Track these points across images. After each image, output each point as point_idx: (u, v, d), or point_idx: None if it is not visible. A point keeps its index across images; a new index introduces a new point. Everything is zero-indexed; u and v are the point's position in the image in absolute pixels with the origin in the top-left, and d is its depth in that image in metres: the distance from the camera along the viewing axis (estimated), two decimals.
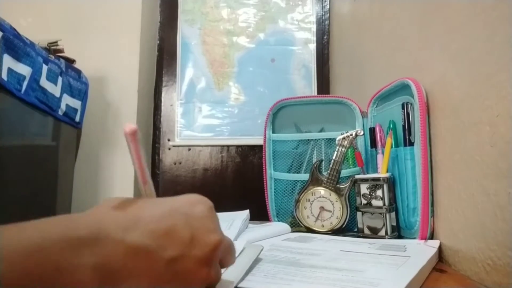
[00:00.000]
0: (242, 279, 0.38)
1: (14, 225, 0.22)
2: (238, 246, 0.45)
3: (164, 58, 1.72)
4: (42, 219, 0.24)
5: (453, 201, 0.53)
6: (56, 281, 0.22)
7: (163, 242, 0.27)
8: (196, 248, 0.28)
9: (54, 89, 1.09)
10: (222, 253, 0.32)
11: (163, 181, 1.65)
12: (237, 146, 1.66)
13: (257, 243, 0.57)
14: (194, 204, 0.31)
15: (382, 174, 0.65)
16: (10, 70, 0.90)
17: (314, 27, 1.74)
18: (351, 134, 0.71)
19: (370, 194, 0.65)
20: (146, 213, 0.28)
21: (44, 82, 1.03)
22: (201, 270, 0.29)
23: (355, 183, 0.68)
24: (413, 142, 0.62)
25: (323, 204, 0.71)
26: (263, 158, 0.84)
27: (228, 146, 1.66)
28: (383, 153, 0.68)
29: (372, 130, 0.74)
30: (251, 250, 0.45)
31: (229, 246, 0.34)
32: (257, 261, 0.45)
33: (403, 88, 0.65)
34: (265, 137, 0.84)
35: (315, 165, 0.74)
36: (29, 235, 0.22)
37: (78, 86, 1.23)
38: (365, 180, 0.66)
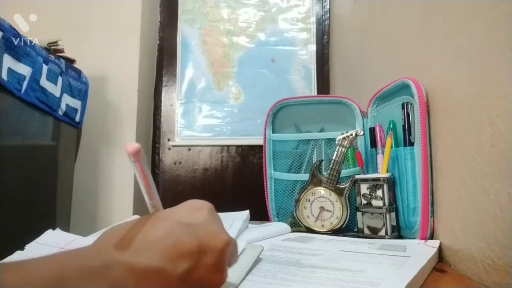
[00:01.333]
0: (243, 279, 0.38)
1: (31, 260, 0.24)
2: (239, 246, 0.45)
3: (164, 58, 1.72)
4: (51, 255, 0.25)
5: (453, 201, 0.53)
6: None
7: (172, 259, 0.27)
8: (206, 256, 0.29)
9: (54, 89, 1.09)
10: (231, 253, 0.33)
11: (163, 181, 1.65)
12: (237, 146, 1.66)
13: (257, 243, 0.57)
14: (194, 211, 0.32)
15: (382, 174, 0.65)
16: (10, 70, 0.90)
17: (314, 27, 1.74)
18: (351, 134, 0.71)
19: (370, 194, 0.65)
20: (150, 234, 0.28)
21: (44, 82, 1.03)
22: (215, 276, 0.30)
23: (355, 183, 0.68)
24: (413, 142, 0.62)
25: (323, 204, 0.71)
26: (263, 158, 0.84)
27: (228, 146, 1.66)
28: (383, 153, 0.68)
29: (372, 130, 0.74)
30: (252, 250, 0.45)
31: (234, 245, 0.34)
32: (257, 261, 0.45)
33: (403, 88, 0.65)
34: (265, 137, 0.84)
35: (315, 165, 0.74)
36: (49, 266, 0.23)
37: (78, 86, 1.23)
38: (365, 180, 0.66)
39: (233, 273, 0.37)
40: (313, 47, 1.72)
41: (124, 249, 0.27)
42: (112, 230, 0.29)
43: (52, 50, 1.11)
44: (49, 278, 0.22)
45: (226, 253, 0.31)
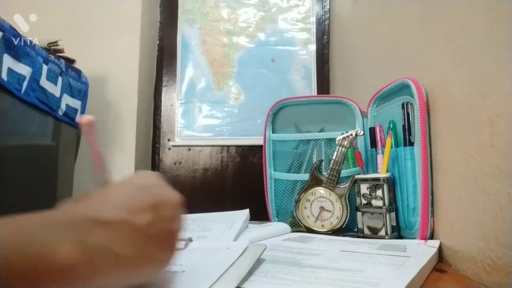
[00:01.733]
0: (245, 279, 0.38)
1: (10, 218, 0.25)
2: (241, 245, 0.45)
3: (164, 58, 1.72)
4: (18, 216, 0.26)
5: (453, 201, 0.53)
6: (42, 257, 0.23)
7: (135, 212, 0.30)
8: (164, 209, 0.33)
9: (54, 89, 1.09)
10: (182, 209, 0.36)
11: None
12: (237, 146, 1.66)
13: (258, 243, 0.57)
14: (147, 177, 0.36)
15: (382, 174, 0.65)
16: (10, 70, 0.90)
17: (314, 27, 1.73)
18: (351, 134, 0.71)
19: (370, 194, 0.65)
20: (110, 196, 0.31)
21: (44, 82, 1.03)
22: (175, 225, 0.34)
23: (355, 183, 0.68)
24: (413, 142, 0.62)
25: (323, 204, 0.71)
26: (263, 158, 0.84)
27: (228, 146, 1.66)
28: (383, 153, 0.68)
29: (372, 130, 0.74)
30: (254, 249, 0.45)
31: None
32: (259, 260, 0.45)
33: (403, 88, 0.65)
34: (265, 137, 0.84)
35: (315, 165, 0.74)
36: (17, 221, 0.24)
37: (78, 86, 1.23)
38: (365, 180, 0.66)
39: (234, 272, 0.37)
40: (313, 47, 1.72)
41: (88, 207, 0.29)
42: (69, 200, 0.31)
43: (52, 50, 1.11)
44: (16, 232, 0.23)
45: (180, 205, 0.35)
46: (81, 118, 0.29)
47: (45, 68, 1.03)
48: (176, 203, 0.34)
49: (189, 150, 1.66)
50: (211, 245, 0.48)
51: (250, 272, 0.40)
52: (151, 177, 0.36)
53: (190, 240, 0.49)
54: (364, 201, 0.66)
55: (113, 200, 0.31)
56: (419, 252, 0.51)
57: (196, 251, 0.46)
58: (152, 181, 0.35)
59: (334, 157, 0.71)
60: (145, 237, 0.30)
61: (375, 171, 0.71)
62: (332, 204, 0.70)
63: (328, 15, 1.73)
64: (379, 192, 0.64)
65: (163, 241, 0.32)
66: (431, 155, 0.60)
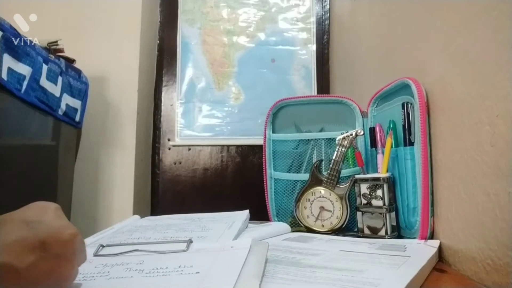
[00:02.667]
0: (262, 278, 0.37)
1: None
2: (246, 244, 0.45)
3: (164, 58, 1.72)
4: None
5: (453, 201, 0.53)
6: None
7: (17, 254, 0.29)
8: (53, 247, 0.31)
9: (54, 89, 1.09)
10: (80, 248, 0.34)
11: (163, 181, 1.65)
12: (237, 146, 1.66)
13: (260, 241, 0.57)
14: (38, 211, 0.33)
15: (382, 173, 0.65)
16: (10, 70, 0.90)
17: (314, 27, 1.74)
18: (351, 134, 0.71)
19: (370, 194, 0.65)
20: None
21: (44, 82, 1.03)
22: (64, 267, 0.32)
23: (355, 182, 0.68)
24: (413, 142, 0.62)
25: (323, 204, 0.71)
26: (263, 157, 0.84)
27: (228, 146, 1.66)
28: (383, 152, 0.68)
29: (372, 130, 0.74)
30: (259, 247, 0.45)
31: (82, 242, 0.36)
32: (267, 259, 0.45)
33: (403, 88, 0.65)
34: (265, 137, 0.84)
35: (315, 165, 0.74)
36: None
37: (78, 86, 1.23)
38: (365, 180, 0.66)
39: (252, 269, 0.37)
40: (313, 47, 1.72)
41: None
42: None
43: (52, 50, 1.11)
44: None
45: (74, 244, 0.33)
46: None
47: (45, 68, 1.03)
48: (68, 240, 0.32)
49: (189, 149, 1.66)
50: (213, 245, 0.48)
51: (264, 270, 0.40)
52: (42, 210, 0.34)
53: (191, 241, 0.49)
54: (364, 201, 0.66)
55: None
56: (419, 252, 0.51)
57: (200, 252, 0.46)
58: (44, 215, 0.33)
59: (334, 157, 0.71)
60: (28, 280, 0.29)
61: (375, 170, 0.71)
62: (332, 204, 0.70)
63: (328, 15, 1.73)
64: (379, 192, 0.64)
65: (49, 282, 0.31)
66: (431, 155, 0.60)
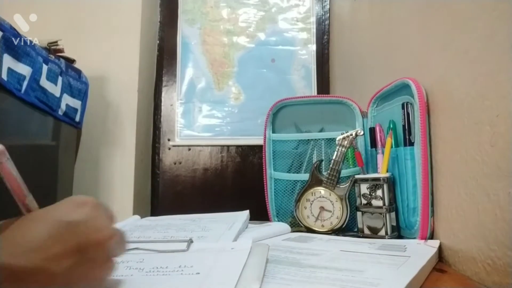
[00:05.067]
0: (262, 280, 0.37)
1: None
2: (246, 245, 0.45)
3: (164, 58, 1.72)
4: None
5: (453, 201, 0.53)
6: None
7: (54, 257, 0.27)
8: (88, 252, 0.29)
9: (54, 89, 1.09)
10: (116, 246, 0.33)
11: (163, 181, 1.65)
12: (237, 146, 1.66)
13: (259, 242, 0.56)
14: (75, 207, 0.31)
15: (382, 174, 0.65)
16: (10, 70, 0.90)
17: (314, 27, 1.74)
18: (351, 134, 0.71)
19: (370, 194, 0.65)
20: (29, 234, 0.28)
21: (44, 82, 1.03)
22: (100, 270, 0.31)
23: (355, 183, 0.68)
24: (413, 142, 0.62)
25: (323, 204, 0.71)
26: (263, 158, 0.84)
27: (228, 146, 1.66)
28: (383, 152, 0.68)
29: (372, 130, 0.74)
30: (259, 249, 0.45)
31: (121, 237, 0.35)
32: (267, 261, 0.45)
33: (403, 88, 0.65)
34: (265, 137, 0.84)
35: (315, 165, 0.74)
36: None
37: (78, 86, 1.23)
38: (365, 180, 0.66)
39: (251, 273, 0.37)
40: (313, 47, 1.72)
41: (2, 251, 0.26)
42: None
43: (52, 50, 1.11)
44: None
45: (109, 247, 0.31)
46: None
47: (45, 68, 1.03)
48: (104, 244, 0.31)
49: (189, 149, 1.66)
50: (214, 246, 0.48)
51: (264, 272, 0.40)
52: (80, 209, 0.31)
53: (191, 241, 0.49)
54: (364, 201, 0.66)
55: (30, 242, 0.27)
56: (419, 252, 0.51)
57: (200, 252, 0.46)
58: (81, 214, 0.31)
59: (334, 157, 0.71)
60: (62, 284, 0.27)
61: (375, 171, 0.71)
62: (332, 204, 0.70)
63: (328, 15, 1.73)
64: (379, 192, 0.64)
65: (82, 285, 0.29)
66: (431, 155, 0.60)
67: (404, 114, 0.64)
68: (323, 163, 0.78)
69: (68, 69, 1.18)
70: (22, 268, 0.26)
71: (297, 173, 0.81)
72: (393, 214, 0.64)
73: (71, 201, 0.32)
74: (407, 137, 0.63)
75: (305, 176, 0.76)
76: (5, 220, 0.30)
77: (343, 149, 0.71)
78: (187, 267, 0.40)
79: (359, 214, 0.66)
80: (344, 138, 0.71)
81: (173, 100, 1.69)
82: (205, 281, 0.36)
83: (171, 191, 1.64)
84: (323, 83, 1.69)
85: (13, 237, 0.28)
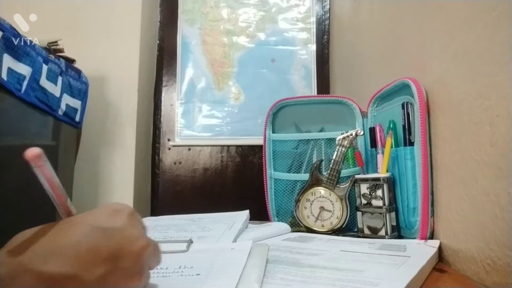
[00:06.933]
0: (262, 281, 0.37)
1: None
2: (246, 245, 0.45)
3: (164, 58, 1.72)
4: None
5: (453, 201, 0.53)
6: None
7: (87, 264, 0.27)
8: (122, 261, 0.29)
9: (54, 89, 1.09)
10: (150, 257, 0.32)
11: (163, 181, 1.65)
12: (237, 146, 1.66)
13: (257, 243, 0.56)
14: (113, 214, 0.31)
15: (382, 173, 0.65)
16: (10, 70, 0.90)
17: (314, 27, 1.74)
18: (351, 134, 0.71)
19: (370, 194, 0.65)
20: (62, 240, 0.27)
21: (44, 82, 1.03)
22: (132, 280, 0.29)
23: (355, 183, 0.68)
24: (413, 142, 0.62)
25: (323, 204, 0.71)
26: (263, 158, 0.84)
27: (228, 146, 1.66)
28: (383, 152, 0.68)
29: (372, 130, 0.74)
30: (259, 249, 0.45)
31: (156, 248, 0.34)
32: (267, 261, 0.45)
33: (403, 88, 0.65)
34: (265, 137, 0.84)
35: (315, 165, 0.74)
36: None
37: (78, 86, 1.23)
38: (365, 180, 0.66)
39: (251, 274, 0.37)
40: (313, 47, 1.72)
41: (33, 256, 0.26)
42: (20, 236, 0.28)
43: (52, 50, 1.11)
44: None
45: (144, 257, 0.31)
46: (26, 153, 0.25)
47: (45, 68, 1.03)
48: (139, 253, 0.30)
49: (189, 149, 1.66)
50: (214, 246, 0.48)
51: (264, 272, 0.40)
52: (117, 216, 0.31)
53: (191, 241, 0.49)
54: (364, 201, 0.66)
55: (65, 248, 0.27)
56: (419, 252, 0.51)
57: (200, 253, 0.46)
58: (117, 222, 0.30)
59: (334, 157, 0.71)
60: None
61: (375, 170, 0.71)
62: (332, 204, 0.70)
63: (328, 15, 1.73)
64: (379, 192, 0.64)
65: None
66: (431, 155, 0.60)
67: (404, 114, 0.64)
68: (323, 163, 0.78)
69: (68, 69, 1.18)
70: (52, 274, 0.25)
71: (297, 173, 0.81)
72: (393, 214, 0.64)
73: (109, 207, 0.32)
74: (407, 137, 0.63)
75: (305, 176, 0.76)
76: (45, 224, 0.29)
77: (343, 149, 0.71)
78: (187, 268, 0.40)
79: (359, 214, 0.66)
80: (344, 138, 0.71)
81: (173, 100, 1.69)
82: (206, 282, 0.35)
83: (171, 191, 1.64)
84: (323, 83, 1.69)
85: (48, 242, 0.27)
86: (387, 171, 0.66)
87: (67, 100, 1.17)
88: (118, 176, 1.45)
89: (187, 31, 1.72)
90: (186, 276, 0.38)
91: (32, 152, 0.26)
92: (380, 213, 0.63)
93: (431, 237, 0.59)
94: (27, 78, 0.96)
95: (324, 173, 0.73)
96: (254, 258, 0.42)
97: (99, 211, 0.31)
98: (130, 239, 0.30)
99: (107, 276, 0.27)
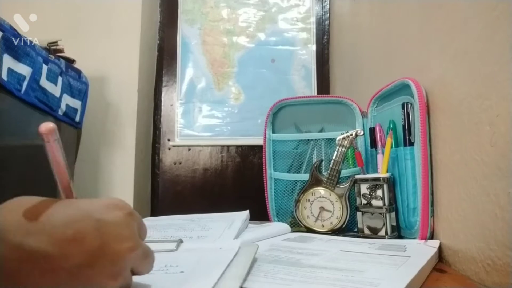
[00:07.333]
0: (245, 279, 0.38)
1: None
2: (234, 245, 0.45)
3: (164, 58, 1.72)
4: None
5: (453, 201, 0.53)
6: None
7: (67, 249, 0.26)
8: (104, 258, 0.27)
9: (54, 89, 1.09)
10: (137, 261, 0.31)
11: (163, 181, 1.65)
12: (237, 146, 1.66)
13: (257, 243, 0.57)
14: (111, 209, 0.30)
15: (382, 174, 0.65)
16: (10, 70, 0.90)
17: (314, 27, 1.74)
18: (351, 134, 0.71)
19: (370, 194, 0.65)
20: (54, 218, 0.26)
21: (44, 82, 1.03)
22: (108, 281, 0.28)
23: (355, 183, 0.68)
24: (413, 142, 0.62)
25: (323, 204, 0.71)
26: (263, 158, 0.84)
27: (228, 146, 1.66)
28: (383, 153, 0.68)
29: (372, 130, 0.74)
30: (248, 249, 0.45)
31: (146, 253, 0.33)
32: (254, 260, 0.45)
33: (403, 88, 0.65)
34: (265, 137, 0.84)
35: (315, 165, 0.74)
36: None
37: (78, 86, 1.23)
38: (365, 180, 0.66)
39: (234, 273, 0.37)
40: (313, 47, 1.72)
41: (17, 226, 0.25)
42: (16, 201, 0.27)
43: (52, 50, 1.11)
44: None
45: (126, 259, 0.29)
46: (40, 127, 0.25)
47: (45, 68, 1.03)
48: (123, 255, 0.29)
49: (189, 149, 1.66)
50: (203, 246, 0.48)
51: (248, 272, 0.40)
52: (114, 211, 0.30)
53: (181, 241, 0.49)
54: (364, 201, 0.66)
55: (49, 227, 0.26)
56: (419, 252, 0.51)
57: (189, 252, 0.46)
58: (113, 217, 0.29)
59: (334, 157, 0.71)
60: (68, 279, 0.26)
61: (375, 171, 0.71)
62: (332, 204, 0.70)
63: (328, 15, 1.73)
64: (379, 192, 0.64)
65: None
66: (431, 155, 0.60)
67: (404, 114, 0.64)
68: (323, 163, 0.78)
69: (68, 69, 1.18)
70: (29, 249, 0.24)
71: (297, 173, 0.81)
72: (393, 214, 0.64)
73: (109, 200, 0.31)
74: (407, 137, 0.63)
75: (305, 176, 0.76)
76: (48, 198, 0.29)
77: (343, 149, 0.71)
78: (173, 266, 0.40)
79: (359, 214, 0.66)
80: (344, 138, 0.71)
81: (173, 100, 1.69)
82: (188, 279, 0.36)
83: (171, 191, 1.64)
84: (323, 83, 1.69)
85: (38, 216, 0.26)
86: (387, 171, 0.66)
87: (67, 101, 1.17)
88: (118, 176, 1.45)
89: (187, 31, 1.72)
90: (170, 274, 0.38)
91: (46, 126, 0.26)
92: (380, 213, 0.63)
93: (431, 237, 0.59)
94: (27, 78, 0.96)
95: (324, 173, 0.73)
96: (240, 257, 0.42)
97: (99, 201, 0.31)
98: (117, 237, 0.29)
99: (82, 268, 0.26)
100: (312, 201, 0.72)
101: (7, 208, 0.27)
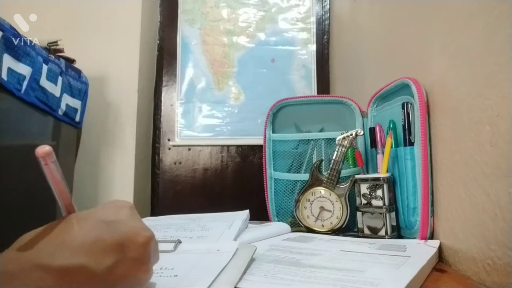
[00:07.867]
0: (240, 279, 0.38)
1: None
2: (231, 247, 0.45)
3: (164, 58, 1.72)
4: None
5: (453, 201, 0.53)
6: None
7: (94, 255, 0.27)
8: (129, 251, 0.29)
9: (54, 89, 1.09)
10: (154, 249, 0.33)
11: (163, 181, 1.65)
12: (237, 146, 1.66)
13: (257, 243, 0.57)
14: (115, 210, 0.32)
15: (382, 173, 0.65)
16: (10, 70, 0.90)
17: (314, 27, 1.73)
18: (351, 134, 0.71)
19: (370, 194, 0.65)
20: (69, 233, 0.28)
21: (44, 82, 1.03)
22: (140, 270, 0.30)
23: (355, 183, 0.68)
24: (413, 142, 0.62)
25: (323, 204, 0.71)
26: (263, 157, 0.84)
27: (228, 146, 1.66)
28: (383, 152, 0.68)
29: (372, 130, 0.74)
30: (245, 251, 0.45)
31: (156, 243, 0.35)
32: (253, 261, 0.45)
33: (403, 88, 0.65)
34: (265, 137, 0.84)
35: (315, 165, 0.74)
36: None
37: (78, 86, 1.23)
38: (365, 180, 0.66)
39: (229, 274, 0.37)
40: (313, 47, 1.72)
41: (41, 251, 0.26)
42: (27, 235, 0.28)
43: (52, 50, 1.11)
44: None
45: (150, 247, 0.31)
46: (37, 150, 0.26)
47: (45, 68, 1.03)
48: (145, 243, 0.31)
49: (189, 149, 1.66)
50: (201, 247, 0.48)
51: (244, 272, 0.40)
52: (120, 209, 0.32)
53: (179, 241, 0.49)
54: (364, 201, 0.66)
55: (71, 241, 0.27)
56: (419, 252, 0.51)
57: (186, 254, 0.46)
58: (121, 215, 0.32)
59: (334, 157, 0.71)
60: (107, 280, 0.27)
61: (375, 170, 0.71)
62: (332, 204, 0.70)
63: (328, 15, 1.73)
64: (379, 192, 0.64)
65: (128, 283, 0.29)
66: (431, 155, 0.60)
67: (404, 114, 0.64)
68: (323, 163, 0.78)
69: (68, 69, 1.18)
70: (61, 267, 0.26)
71: (297, 173, 0.81)
72: (393, 214, 0.64)
73: (110, 203, 0.33)
74: (407, 137, 0.63)
75: (305, 176, 0.76)
76: (49, 223, 0.30)
77: (343, 149, 0.71)
78: (168, 269, 0.40)
79: (359, 214, 0.66)
80: (344, 138, 0.71)
81: (173, 100, 1.69)
82: (180, 283, 0.36)
83: (171, 191, 1.64)
84: (323, 83, 1.69)
85: (55, 237, 0.28)
86: (387, 171, 0.66)
87: (67, 100, 1.17)
88: (118, 176, 1.45)
89: (187, 31, 1.72)
90: (164, 277, 0.38)
91: (43, 150, 0.27)
92: (380, 213, 0.63)
93: (431, 237, 0.59)
94: (27, 78, 0.96)
95: (324, 173, 0.73)
96: (237, 260, 0.42)
97: (102, 207, 0.32)
98: (134, 230, 0.31)
99: (115, 266, 0.28)
100: (312, 201, 0.72)
101: (19, 242, 0.28)
